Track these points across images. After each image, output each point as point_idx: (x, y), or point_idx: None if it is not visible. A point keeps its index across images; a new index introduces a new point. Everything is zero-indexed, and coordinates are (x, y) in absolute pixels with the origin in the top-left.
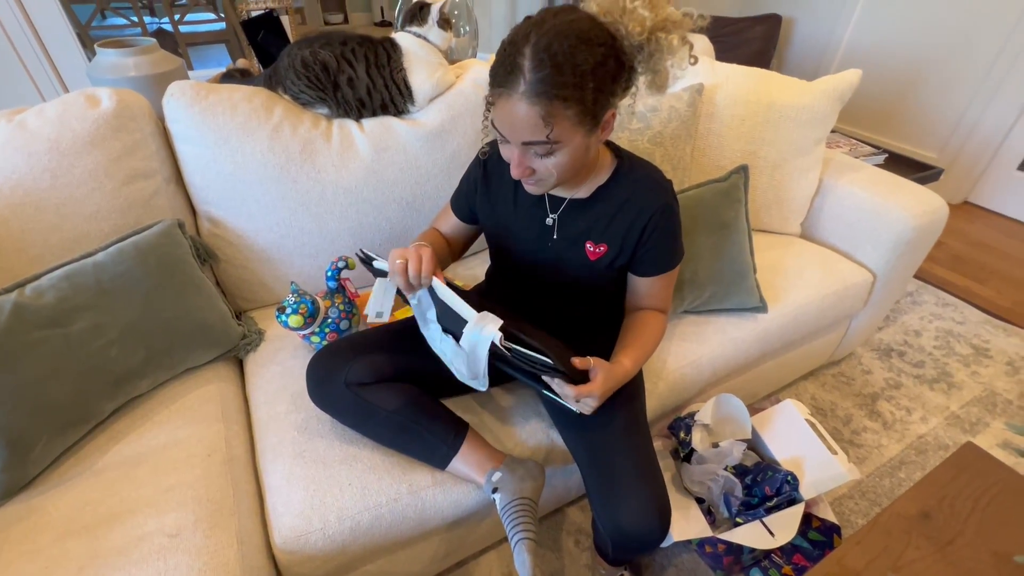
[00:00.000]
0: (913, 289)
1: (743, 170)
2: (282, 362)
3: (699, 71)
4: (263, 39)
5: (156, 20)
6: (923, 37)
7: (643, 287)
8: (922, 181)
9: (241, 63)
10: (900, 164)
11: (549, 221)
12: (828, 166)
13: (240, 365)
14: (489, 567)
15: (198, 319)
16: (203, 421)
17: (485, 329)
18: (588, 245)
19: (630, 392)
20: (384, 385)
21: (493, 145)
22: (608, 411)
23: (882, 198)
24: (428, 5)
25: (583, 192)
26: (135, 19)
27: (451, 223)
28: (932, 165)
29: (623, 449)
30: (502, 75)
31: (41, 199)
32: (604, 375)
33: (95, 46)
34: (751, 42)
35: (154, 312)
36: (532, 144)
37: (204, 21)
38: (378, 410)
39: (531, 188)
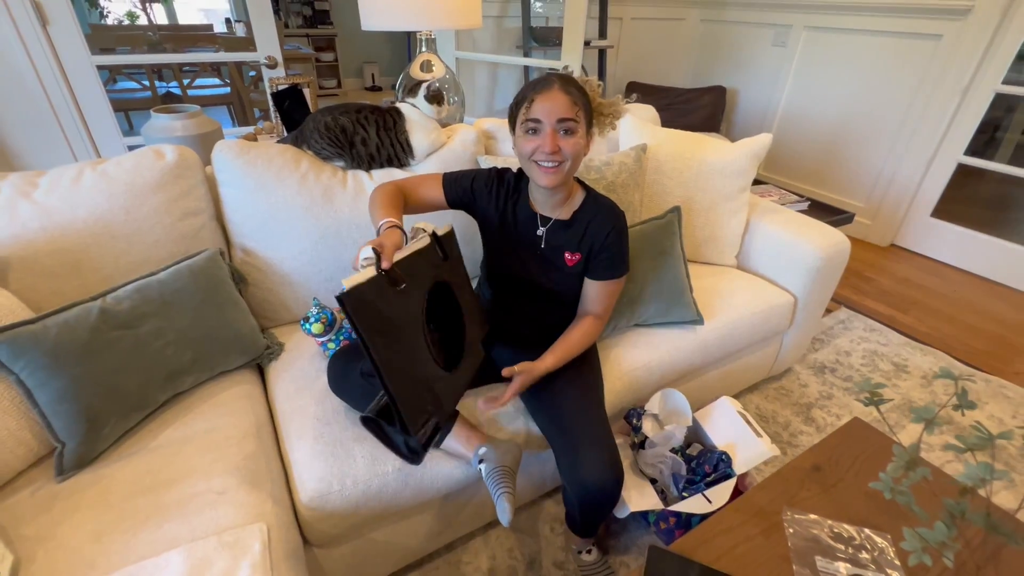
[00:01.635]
0: (844, 317)
1: (676, 210)
2: (301, 368)
3: (645, 134)
4: (288, 107)
5: (165, 84)
6: (843, 103)
7: (592, 290)
8: (837, 223)
9: (267, 126)
10: (820, 210)
11: (539, 232)
12: (755, 209)
13: (261, 372)
14: (477, 549)
15: (234, 329)
16: (236, 413)
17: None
18: (567, 254)
19: (586, 374)
20: None
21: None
22: (566, 388)
23: (796, 235)
24: (420, 83)
25: (564, 214)
26: (146, 83)
27: (431, 193)
28: (845, 210)
29: (580, 418)
30: (539, 85)
31: (116, 230)
32: (522, 380)
33: (150, 111)
34: (701, 109)
35: (201, 321)
36: (565, 120)
37: (210, 86)
38: None
39: (550, 176)
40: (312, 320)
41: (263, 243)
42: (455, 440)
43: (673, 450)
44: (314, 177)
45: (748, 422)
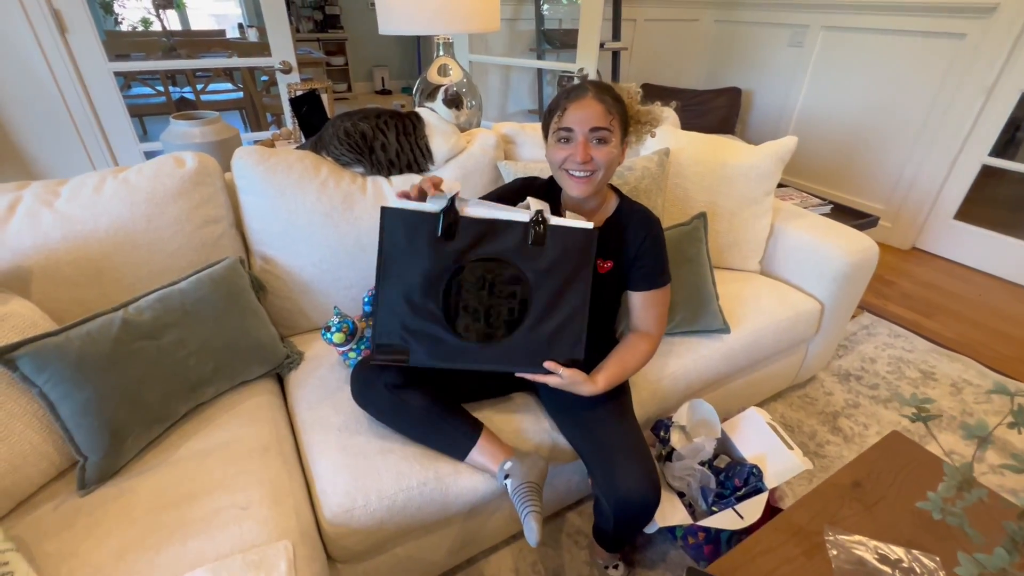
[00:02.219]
0: (868, 323)
1: (702, 216)
2: (321, 377)
3: (667, 138)
4: (306, 112)
5: (179, 89)
6: (862, 104)
7: (637, 303)
8: (862, 227)
9: (284, 132)
10: (843, 213)
11: None
12: (779, 214)
13: (280, 382)
14: (499, 563)
15: (254, 339)
16: (257, 423)
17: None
18: (599, 261)
19: (620, 396)
20: (414, 387)
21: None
22: (600, 405)
23: (822, 240)
24: (438, 88)
25: (597, 222)
26: (160, 88)
27: None
28: (869, 213)
29: (616, 431)
30: (574, 93)
31: (137, 239)
32: (563, 382)
33: (169, 117)
34: (716, 111)
35: (223, 331)
36: (598, 129)
37: (223, 91)
38: (411, 408)
39: (582, 185)
40: (333, 329)
41: (283, 251)
42: (480, 454)
43: (701, 463)
44: (334, 184)
45: (778, 434)
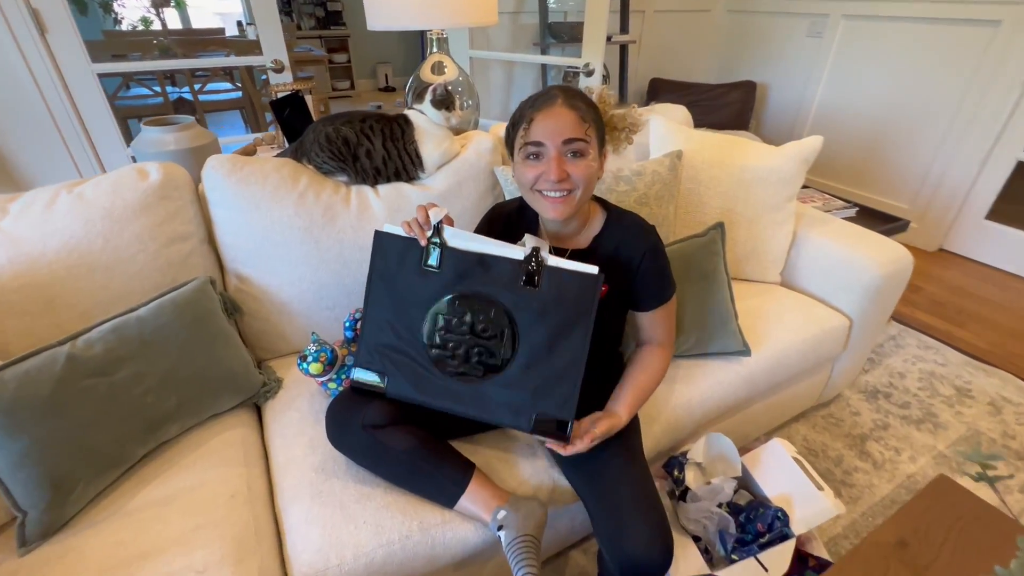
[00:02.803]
0: (896, 333)
1: (720, 226)
2: (299, 408)
3: (679, 139)
4: (288, 116)
5: (177, 90)
6: (885, 99)
7: (646, 321)
8: (891, 232)
9: (267, 137)
10: (870, 217)
11: None
12: (801, 220)
13: (258, 411)
14: None
15: (225, 367)
16: (226, 464)
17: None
18: None
19: (627, 432)
20: (396, 427)
21: (500, 206)
22: (607, 447)
23: (851, 250)
24: (426, 89)
25: (581, 242)
26: (158, 89)
27: None
28: (900, 217)
29: (624, 481)
30: (540, 101)
31: (93, 260)
32: (601, 428)
33: (141, 123)
34: (729, 106)
35: (187, 361)
36: (573, 141)
37: (222, 91)
38: (391, 450)
39: (559, 207)
40: (310, 359)
41: (259, 269)
42: (471, 501)
43: (720, 504)
44: (314, 195)
45: (805, 470)
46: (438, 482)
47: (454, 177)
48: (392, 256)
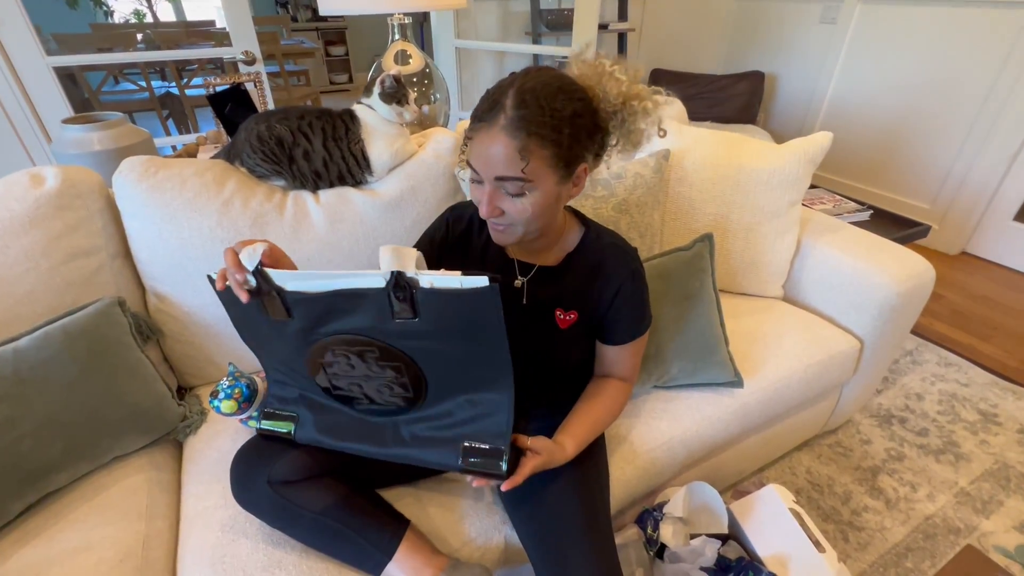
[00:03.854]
0: (913, 347)
1: (708, 239)
2: (219, 447)
3: (668, 137)
4: (230, 111)
5: (165, 84)
6: (905, 90)
7: (611, 355)
8: (910, 238)
9: (211, 135)
10: (887, 220)
11: (518, 283)
12: (806, 226)
13: (180, 447)
14: None
15: (129, 404)
16: (123, 519)
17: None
18: (558, 312)
19: (588, 476)
20: (311, 482)
21: (460, 207)
22: (562, 497)
23: (863, 262)
24: (375, 81)
25: (551, 260)
26: (142, 83)
27: None
28: (920, 221)
29: (582, 556)
30: (484, 111)
31: None
32: (535, 461)
33: (60, 122)
34: (736, 98)
35: (78, 401)
36: (506, 180)
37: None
38: (304, 512)
39: (498, 236)
40: (222, 396)
41: (178, 287)
42: (399, 569)
43: (703, 567)
44: (241, 203)
45: (804, 526)
46: (360, 548)
47: (408, 181)
48: (238, 309)
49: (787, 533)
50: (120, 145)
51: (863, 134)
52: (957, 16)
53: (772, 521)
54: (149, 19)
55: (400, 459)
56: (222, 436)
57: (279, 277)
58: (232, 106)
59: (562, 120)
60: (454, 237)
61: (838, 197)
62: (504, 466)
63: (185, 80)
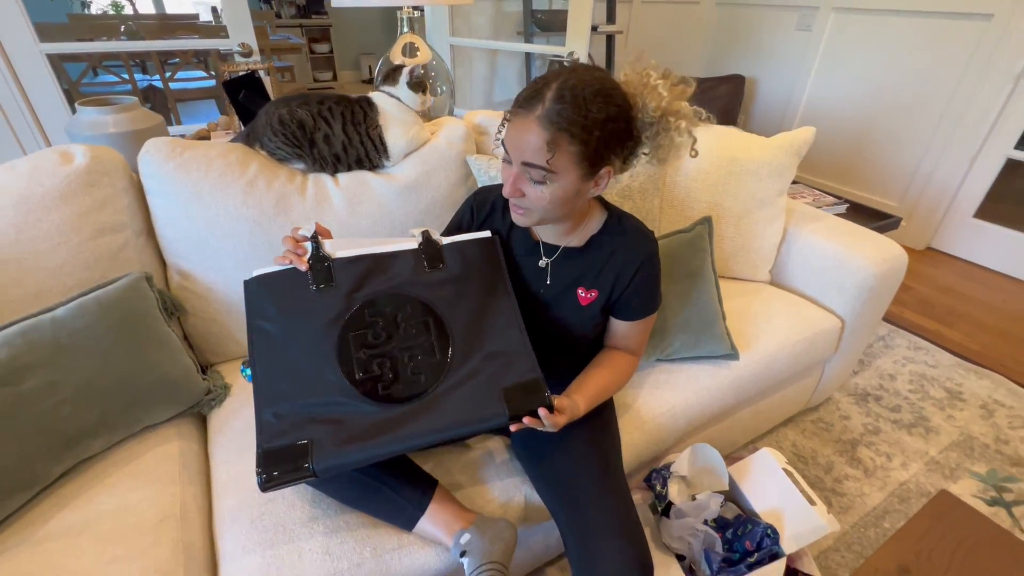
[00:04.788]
0: (885, 333)
1: (707, 221)
2: (247, 418)
3: None
4: (244, 98)
5: (147, 77)
6: (875, 94)
7: (622, 329)
8: (882, 229)
9: (222, 121)
10: (861, 213)
11: (542, 263)
12: (792, 216)
13: (204, 421)
14: None
15: (159, 375)
16: (158, 483)
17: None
18: (580, 291)
19: (601, 436)
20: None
21: (484, 191)
22: (580, 455)
23: (844, 247)
24: (401, 67)
25: (576, 241)
26: (125, 76)
27: None
28: (891, 214)
29: (599, 498)
30: (525, 98)
31: (3, 253)
32: (569, 416)
33: (76, 104)
34: (718, 100)
35: (112, 369)
36: (531, 167)
37: (194, 79)
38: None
39: (517, 216)
40: None
41: (203, 265)
42: (431, 523)
43: (706, 521)
44: (265, 184)
45: (797, 483)
46: (394, 503)
47: (422, 166)
48: (271, 299)
49: (781, 490)
50: (136, 128)
51: (836, 135)
52: (922, 26)
53: (767, 480)
54: (128, 11)
55: (441, 439)
56: (247, 409)
57: (329, 246)
58: (246, 93)
59: (595, 123)
60: (480, 221)
61: (817, 192)
62: (548, 393)
63: (169, 74)
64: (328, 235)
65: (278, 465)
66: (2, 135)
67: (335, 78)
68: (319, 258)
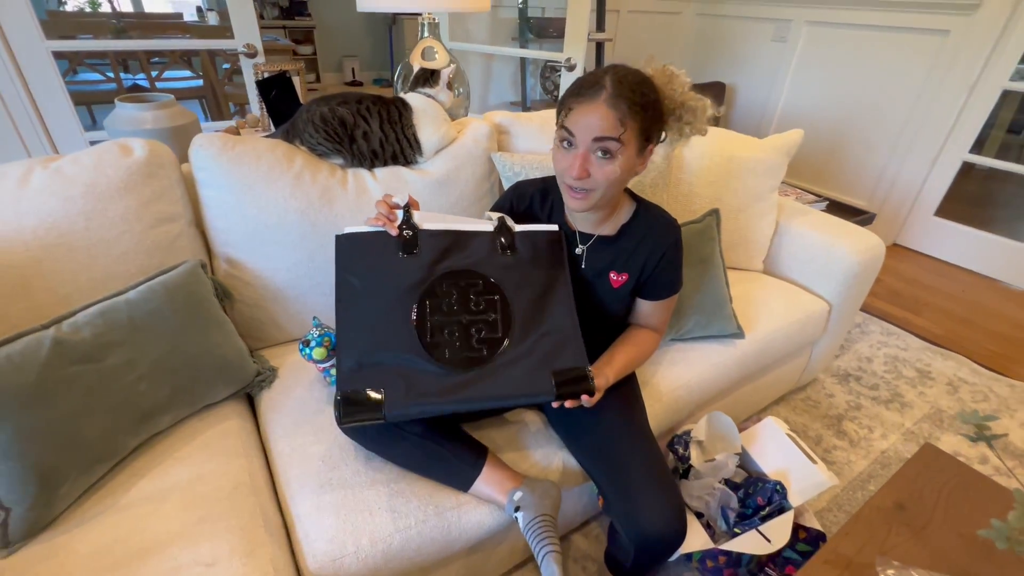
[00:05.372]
0: (861, 320)
1: (715, 213)
2: (298, 397)
3: None
4: (275, 97)
5: (131, 76)
6: (845, 100)
7: (648, 308)
8: (860, 224)
9: (250, 119)
10: (839, 210)
11: (578, 251)
12: (783, 210)
13: (250, 402)
14: None
15: (219, 355)
16: (224, 456)
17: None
18: (612, 275)
19: (630, 405)
20: None
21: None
22: (614, 423)
23: (830, 238)
24: (437, 72)
25: (608, 229)
26: (110, 74)
27: None
28: (866, 210)
29: (635, 457)
30: (586, 88)
31: (74, 241)
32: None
33: (115, 100)
34: None
35: (180, 348)
36: (604, 140)
37: (181, 78)
38: (405, 435)
39: (576, 201)
40: (313, 344)
41: (252, 253)
42: (486, 484)
43: (722, 480)
44: (310, 177)
45: (799, 446)
46: (453, 465)
47: (452, 162)
48: (360, 256)
49: (786, 453)
50: (173, 125)
51: (810, 140)
52: (887, 40)
53: (773, 445)
54: (105, 9)
55: (494, 405)
56: (297, 388)
57: (418, 217)
58: (278, 93)
59: (647, 103)
60: (519, 213)
61: (799, 191)
62: (592, 382)
63: (156, 73)
64: (417, 206)
65: (354, 407)
66: (7, 135)
67: (318, 80)
68: (409, 226)
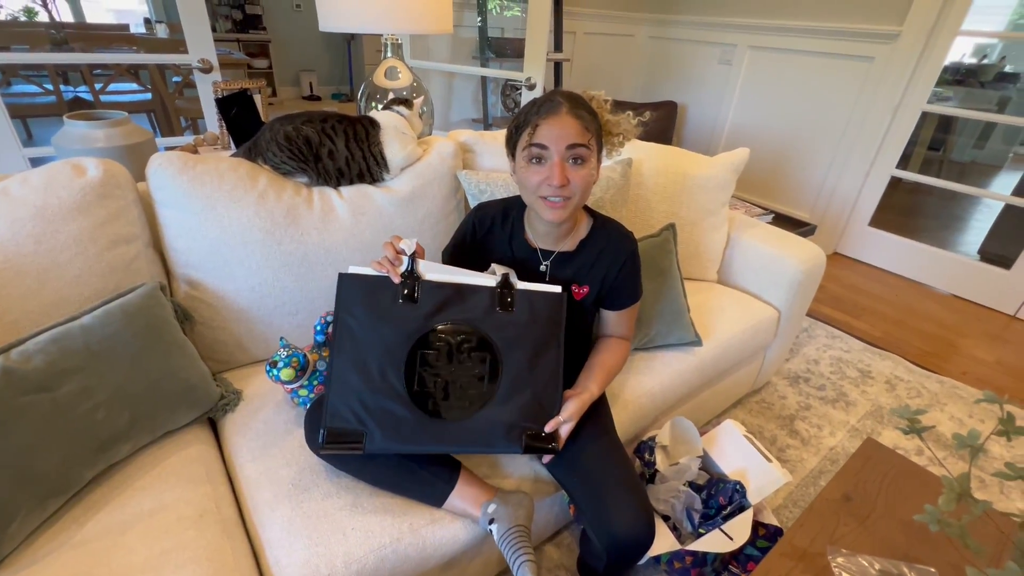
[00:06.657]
0: (807, 325)
1: (671, 227)
2: (265, 420)
3: (628, 149)
4: (235, 115)
5: (72, 89)
6: (787, 119)
7: (614, 319)
8: (802, 235)
9: (208, 136)
10: (784, 222)
11: (542, 268)
12: (733, 224)
13: (213, 427)
14: None
15: (182, 379)
16: (188, 483)
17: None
18: (574, 288)
19: (600, 416)
20: None
21: (484, 207)
22: (584, 435)
23: (777, 249)
24: (410, 100)
25: (568, 245)
26: (49, 87)
27: None
28: (808, 221)
29: (605, 463)
30: (545, 107)
31: (22, 264)
32: (575, 404)
33: (64, 117)
34: (653, 123)
35: (140, 373)
36: (576, 147)
37: (127, 91)
38: (378, 454)
39: (555, 212)
40: (280, 365)
41: (214, 274)
42: (459, 499)
43: (686, 483)
44: (275, 196)
45: (756, 446)
46: (427, 482)
47: (418, 180)
48: (361, 298)
49: (744, 453)
50: (127, 143)
51: (756, 156)
52: (820, 65)
53: (732, 446)
54: (43, 18)
55: (466, 451)
56: (263, 411)
57: (422, 267)
58: (239, 110)
59: (594, 117)
60: (482, 235)
61: (747, 204)
62: (554, 444)
63: (100, 86)
64: (423, 255)
65: (336, 439)
66: None
67: (275, 94)
68: (411, 276)
